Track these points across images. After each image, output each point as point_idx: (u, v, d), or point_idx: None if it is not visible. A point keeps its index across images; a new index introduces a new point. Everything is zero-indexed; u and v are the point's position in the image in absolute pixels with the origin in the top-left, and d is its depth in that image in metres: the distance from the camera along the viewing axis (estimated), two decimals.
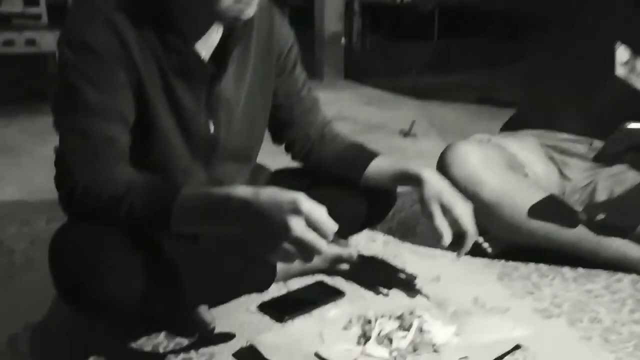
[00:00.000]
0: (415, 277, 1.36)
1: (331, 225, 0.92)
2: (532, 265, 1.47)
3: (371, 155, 1.36)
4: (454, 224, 1.24)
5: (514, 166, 1.54)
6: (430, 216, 1.25)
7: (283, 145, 1.39)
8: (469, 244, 1.25)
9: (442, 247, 1.24)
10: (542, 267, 1.46)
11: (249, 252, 1.06)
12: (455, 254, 1.27)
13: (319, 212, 0.91)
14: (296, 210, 0.90)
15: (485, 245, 1.49)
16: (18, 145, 2.60)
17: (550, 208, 1.45)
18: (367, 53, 4.93)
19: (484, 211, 1.43)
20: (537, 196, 1.45)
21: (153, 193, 0.98)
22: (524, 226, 1.44)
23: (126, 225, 1.01)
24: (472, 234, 1.25)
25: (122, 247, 1.03)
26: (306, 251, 0.91)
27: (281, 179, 1.37)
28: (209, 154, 1.19)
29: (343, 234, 1.37)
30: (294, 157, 1.40)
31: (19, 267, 1.47)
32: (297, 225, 0.90)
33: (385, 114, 3.33)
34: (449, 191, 1.26)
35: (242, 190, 0.94)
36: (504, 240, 1.50)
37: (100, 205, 0.99)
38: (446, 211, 1.24)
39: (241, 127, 1.21)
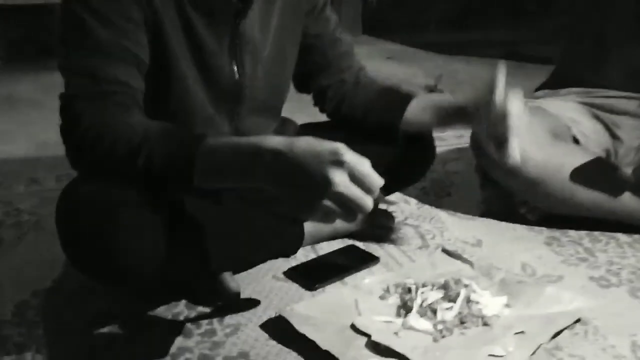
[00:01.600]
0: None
1: (377, 179, 0.80)
2: (581, 229, 1.35)
3: (410, 95, 1.21)
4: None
5: (559, 131, 1.40)
6: (501, 136, 1.04)
7: (311, 95, 1.26)
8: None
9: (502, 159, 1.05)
10: (593, 231, 1.34)
11: (279, 212, 0.95)
12: None
13: (363, 164, 0.80)
14: (338, 162, 0.78)
15: (524, 211, 1.37)
16: (28, 99, 2.48)
17: (595, 172, 1.32)
18: (386, 7, 4.74)
19: (528, 187, 1.31)
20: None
21: (174, 141, 0.86)
22: (572, 199, 1.31)
23: (143, 181, 0.89)
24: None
25: (139, 207, 0.91)
26: (350, 209, 0.80)
27: (310, 134, 1.23)
28: (233, 104, 1.07)
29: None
30: (323, 108, 1.26)
31: (27, 229, 1.36)
32: (340, 179, 0.78)
33: (408, 69, 3.18)
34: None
35: (274, 140, 0.82)
36: (546, 210, 1.38)
37: (113, 156, 0.87)
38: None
39: (268, 73, 1.08)
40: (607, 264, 1.21)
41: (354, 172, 0.79)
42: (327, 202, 0.79)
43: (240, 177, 0.84)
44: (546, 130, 1.36)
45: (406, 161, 1.25)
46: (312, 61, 1.19)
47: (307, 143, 0.81)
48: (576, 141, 1.43)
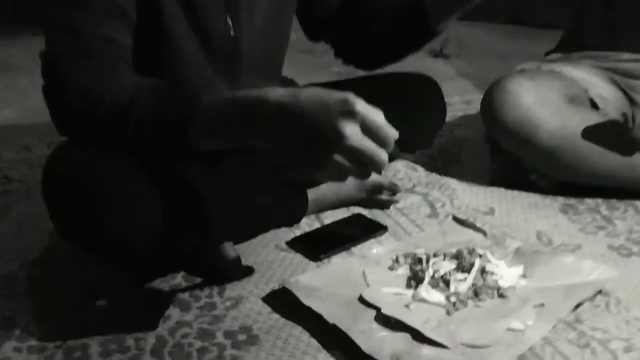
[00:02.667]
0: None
1: (392, 131, 0.74)
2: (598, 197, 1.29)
3: None
4: None
5: (575, 95, 1.32)
6: None
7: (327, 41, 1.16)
8: None
9: None
10: (611, 199, 1.28)
11: (284, 176, 0.88)
12: None
13: (376, 114, 0.73)
14: (349, 112, 0.71)
15: (535, 178, 1.31)
16: (19, 64, 2.39)
17: (610, 135, 1.25)
18: None
19: (541, 157, 1.25)
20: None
21: (167, 99, 0.79)
22: (588, 168, 1.25)
23: (135, 145, 0.82)
24: None
25: (132, 172, 0.85)
26: (363, 164, 0.73)
27: None
28: (230, 63, 0.99)
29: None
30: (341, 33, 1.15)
31: (17, 197, 1.30)
32: (352, 131, 0.71)
33: None
34: None
35: (277, 92, 0.75)
36: (560, 179, 1.32)
37: (101, 118, 0.80)
38: None
39: (265, 28, 1.01)
40: (627, 232, 1.15)
41: (367, 123, 0.72)
42: (338, 158, 0.72)
43: (241, 135, 0.77)
44: (562, 95, 1.29)
45: (416, 122, 1.18)
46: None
47: (314, 93, 0.74)
48: (594, 105, 1.36)
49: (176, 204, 0.89)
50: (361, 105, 0.72)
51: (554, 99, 1.26)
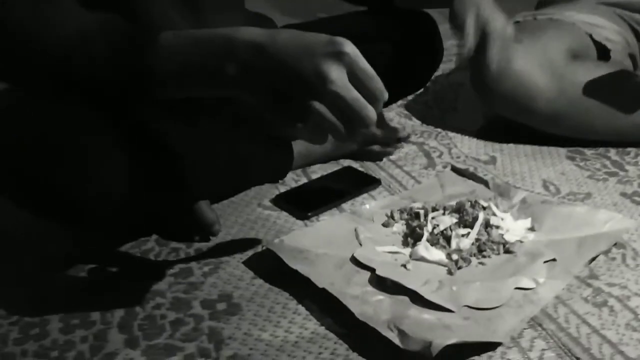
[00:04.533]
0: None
1: (382, 86, 0.64)
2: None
3: None
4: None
5: (578, 46, 1.21)
6: (459, 27, 1.08)
7: None
8: None
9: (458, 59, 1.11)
10: None
11: (260, 126, 0.78)
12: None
13: (366, 62, 0.62)
14: (336, 54, 0.61)
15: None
16: None
17: (611, 86, 1.15)
18: None
19: (541, 123, 1.16)
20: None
21: (120, 35, 0.68)
22: (591, 130, 1.16)
23: (88, 93, 0.72)
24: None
25: (91, 126, 0.75)
26: (347, 118, 0.63)
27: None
28: None
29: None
30: None
31: None
32: (338, 75, 0.61)
33: None
34: (490, 3, 1.08)
35: (251, 31, 0.64)
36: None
37: (42, 61, 0.69)
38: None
39: None
40: None
41: (356, 71, 0.62)
42: (320, 107, 0.62)
43: (208, 80, 0.66)
44: (563, 50, 1.17)
45: (410, 61, 1.07)
46: None
47: (295, 34, 0.64)
48: (600, 50, 1.25)
49: (145, 159, 0.79)
50: (351, 48, 0.62)
51: (552, 57, 1.15)
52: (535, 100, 1.13)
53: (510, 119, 1.18)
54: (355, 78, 0.62)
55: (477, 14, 1.09)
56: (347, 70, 0.62)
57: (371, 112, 0.63)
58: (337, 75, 0.61)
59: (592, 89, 1.14)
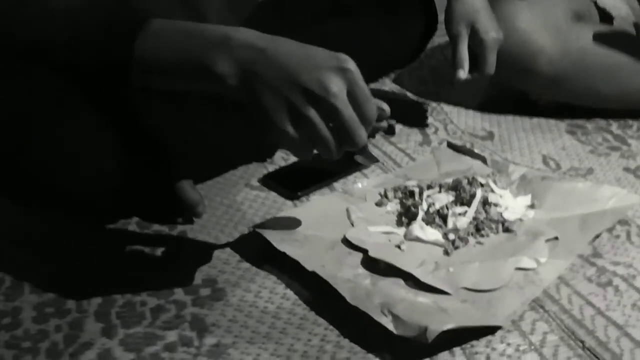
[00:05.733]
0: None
1: (375, 110, 0.64)
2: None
3: None
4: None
5: (581, 5, 1.16)
6: (454, 39, 1.01)
7: None
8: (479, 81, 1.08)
9: (453, 82, 1.03)
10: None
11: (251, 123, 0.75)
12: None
13: (365, 83, 0.62)
14: (339, 70, 0.61)
15: (538, 98, 1.17)
16: None
17: (615, 47, 1.10)
18: None
19: (543, 85, 1.11)
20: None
21: (111, 14, 0.65)
22: (594, 93, 1.11)
23: (66, 68, 0.67)
24: (489, 72, 1.03)
25: (66, 100, 0.71)
26: (339, 135, 0.62)
27: (282, 5, 0.99)
28: None
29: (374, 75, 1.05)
30: None
31: None
32: (339, 90, 0.60)
33: None
34: (486, 13, 1.01)
35: (250, 34, 0.63)
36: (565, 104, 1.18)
37: (27, 32, 0.65)
38: (472, 37, 1.01)
39: None
40: None
41: (355, 89, 0.61)
42: (314, 117, 0.61)
43: (195, 74, 0.63)
44: (566, 11, 1.13)
45: (399, 29, 1.03)
46: None
47: (297, 44, 0.63)
48: (603, 18, 1.20)
49: (123, 135, 0.75)
50: (354, 66, 0.62)
51: (555, 18, 1.11)
52: (538, 60, 1.08)
53: (509, 86, 1.14)
54: (353, 97, 0.62)
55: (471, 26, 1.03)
56: (347, 87, 0.61)
57: (363, 134, 0.63)
58: (338, 89, 0.60)
59: (597, 50, 1.09)
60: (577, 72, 1.09)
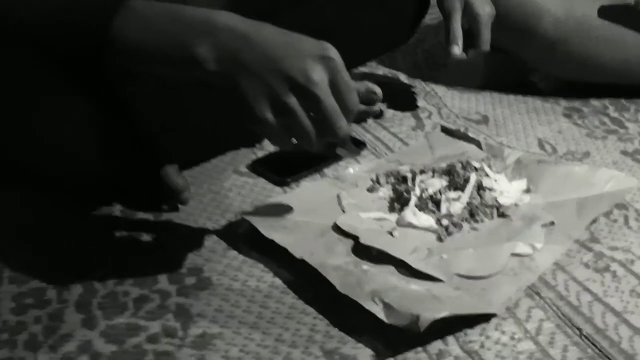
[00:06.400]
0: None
1: (358, 100, 0.62)
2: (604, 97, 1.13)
3: None
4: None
5: None
6: (447, 15, 0.98)
7: None
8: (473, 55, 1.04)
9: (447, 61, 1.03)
10: (618, 98, 1.12)
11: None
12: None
13: (347, 74, 0.61)
14: (322, 58, 0.59)
15: (536, 79, 1.15)
16: None
17: (621, 16, 1.08)
18: None
19: (544, 50, 1.08)
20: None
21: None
22: (597, 62, 1.08)
23: (45, 52, 0.65)
24: (484, 49, 0.99)
25: (44, 79, 0.68)
26: (322, 127, 0.61)
27: None
28: None
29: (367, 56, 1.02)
30: None
31: None
32: (321, 79, 0.59)
33: None
34: None
35: (232, 18, 0.61)
36: (564, 78, 1.15)
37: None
38: (466, 12, 0.98)
39: None
40: None
41: (338, 79, 0.60)
42: (295, 104, 0.59)
43: (175, 60, 0.61)
44: None
45: (394, 10, 1.00)
46: None
47: (280, 30, 0.61)
48: None
49: (104, 116, 0.72)
50: (337, 55, 0.61)
51: None
52: (543, 19, 1.06)
53: (509, 51, 1.12)
54: (335, 87, 0.60)
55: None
56: (329, 76, 0.60)
57: (344, 124, 0.61)
58: (320, 78, 0.59)
59: (601, 18, 1.07)
60: (581, 36, 1.07)
